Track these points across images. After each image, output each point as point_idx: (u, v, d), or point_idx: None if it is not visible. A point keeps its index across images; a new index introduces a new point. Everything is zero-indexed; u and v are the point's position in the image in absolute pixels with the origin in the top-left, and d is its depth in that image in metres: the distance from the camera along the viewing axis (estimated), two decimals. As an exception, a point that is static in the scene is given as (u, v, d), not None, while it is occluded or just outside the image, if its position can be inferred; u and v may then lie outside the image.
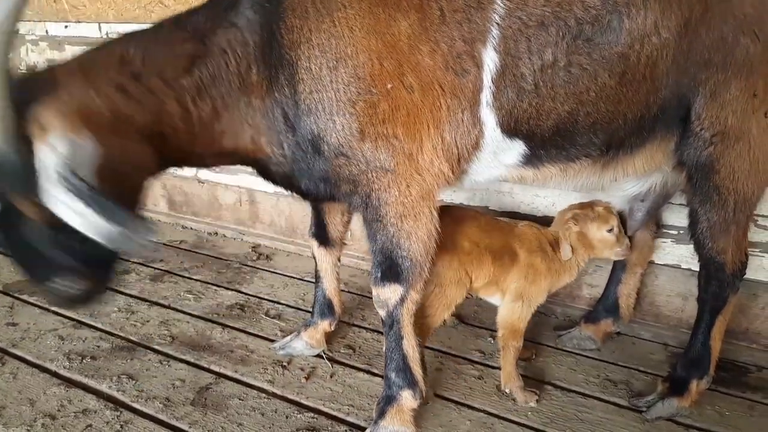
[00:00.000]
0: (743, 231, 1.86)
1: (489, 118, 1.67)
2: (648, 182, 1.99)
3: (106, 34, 3.70)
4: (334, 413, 2.01)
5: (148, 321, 2.59)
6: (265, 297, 2.83)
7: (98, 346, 2.39)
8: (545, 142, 1.72)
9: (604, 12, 1.55)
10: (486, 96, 1.63)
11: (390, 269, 1.74)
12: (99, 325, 2.54)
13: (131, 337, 2.46)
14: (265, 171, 1.81)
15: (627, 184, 2.01)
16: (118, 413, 1.98)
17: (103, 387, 2.12)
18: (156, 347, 2.39)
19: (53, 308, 2.68)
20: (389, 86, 1.57)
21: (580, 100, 1.63)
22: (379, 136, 1.60)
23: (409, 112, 1.60)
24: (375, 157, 1.62)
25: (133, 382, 2.15)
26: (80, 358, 2.29)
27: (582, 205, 2.08)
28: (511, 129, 1.69)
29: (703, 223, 1.82)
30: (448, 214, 1.96)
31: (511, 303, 2.04)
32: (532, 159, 1.77)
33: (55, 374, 2.20)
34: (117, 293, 2.84)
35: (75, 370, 2.22)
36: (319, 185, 1.74)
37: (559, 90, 1.61)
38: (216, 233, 3.63)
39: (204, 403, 2.04)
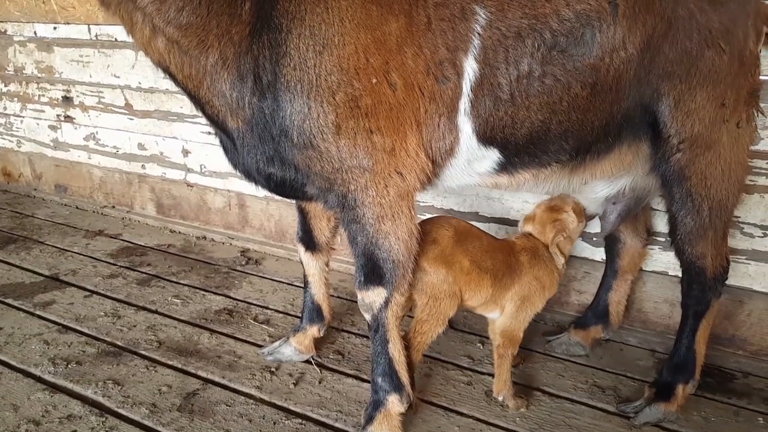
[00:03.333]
0: (721, 236, 1.91)
1: (466, 125, 1.70)
2: (617, 185, 2.04)
3: (96, 36, 3.68)
4: (323, 419, 2.00)
5: (134, 326, 2.56)
6: (254, 302, 2.81)
7: (84, 351, 2.35)
8: (519, 149, 1.77)
9: (578, 25, 1.62)
10: (464, 104, 1.66)
11: (373, 272, 1.74)
12: (85, 330, 2.51)
13: (117, 342, 2.43)
14: (223, 127, 1.76)
15: (597, 186, 2.06)
16: (104, 419, 1.96)
17: (89, 392, 2.09)
18: (142, 352, 2.36)
19: (38, 312, 2.65)
20: (374, 81, 1.58)
21: (553, 110, 1.69)
22: (358, 132, 1.60)
23: (392, 108, 1.61)
24: (352, 155, 1.62)
25: (119, 387, 2.13)
26: (65, 363, 2.26)
27: (550, 209, 2.09)
28: (486, 137, 1.72)
29: (681, 229, 1.87)
30: (452, 226, 1.95)
31: (514, 313, 2.02)
32: (506, 166, 1.81)
33: (39, 379, 2.17)
34: (104, 297, 2.81)
35: (60, 375, 2.19)
36: (287, 171, 1.72)
37: (533, 99, 1.67)
38: (204, 237, 3.60)
39: (191, 409, 2.02)
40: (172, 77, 1.68)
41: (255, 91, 1.61)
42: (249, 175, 1.85)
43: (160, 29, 1.54)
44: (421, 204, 2.88)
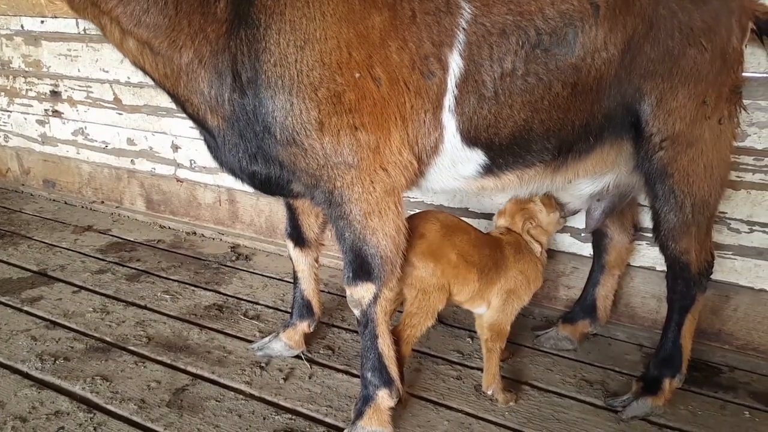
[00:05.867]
0: (705, 231, 1.92)
1: (450, 122, 1.69)
2: (601, 183, 2.05)
3: (84, 30, 3.64)
4: (313, 414, 2.00)
5: (123, 321, 2.55)
6: (244, 297, 2.80)
7: (72, 347, 2.34)
8: (503, 150, 1.77)
9: (561, 24, 1.62)
10: (449, 100, 1.66)
11: (361, 268, 1.74)
12: (73, 326, 2.49)
13: (106, 338, 2.41)
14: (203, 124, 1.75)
15: (581, 184, 2.07)
16: (92, 415, 1.95)
17: (77, 388, 2.08)
18: (131, 348, 2.35)
19: (25, 308, 2.62)
20: (357, 75, 1.57)
21: (535, 109, 1.69)
22: (342, 128, 1.59)
23: (376, 103, 1.61)
24: (336, 152, 1.61)
25: (108, 383, 2.11)
26: (53, 359, 2.24)
27: (520, 202, 2.13)
28: (470, 137, 1.72)
29: (664, 225, 1.89)
30: (440, 220, 1.96)
31: (501, 307, 2.04)
32: (491, 168, 1.81)
33: (26, 375, 2.15)
34: (92, 293, 2.79)
35: (47, 371, 2.17)
36: (272, 169, 1.71)
37: (516, 98, 1.67)
38: (194, 233, 3.59)
39: (180, 405, 2.01)
40: (150, 77, 1.68)
41: (235, 88, 1.59)
42: (234, 173, 1.84)
43: (129, 31, 1.54)
44: (411, 200, 2.88)
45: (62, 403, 2.00)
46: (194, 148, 3.50)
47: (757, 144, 2.19)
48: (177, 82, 1.64)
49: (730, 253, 2.34)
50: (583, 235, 2.58)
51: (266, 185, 1.82)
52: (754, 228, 2.29)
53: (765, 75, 2.10)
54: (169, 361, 2.26)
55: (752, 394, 2.19)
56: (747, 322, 2.38)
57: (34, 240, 3.43)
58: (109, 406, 2.00)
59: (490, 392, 2.08)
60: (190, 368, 2.23)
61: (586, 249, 2.56)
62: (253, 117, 1.61)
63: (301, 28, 1.54)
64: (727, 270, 2.36)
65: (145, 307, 2.68)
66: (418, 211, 2.11)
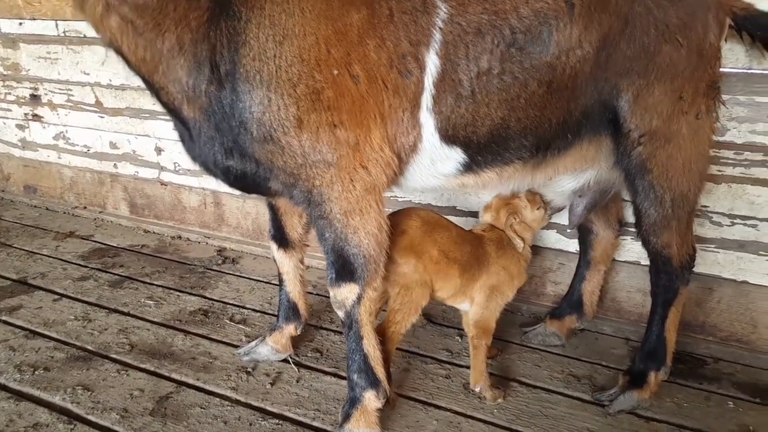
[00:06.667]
0: (686, 225, 1.93)
1: (428, 121, 1.69)
2: (582, 179, 2.06)
3: (63, 32, 3.58)
4: (300, 418, 1.98)
5: (106, 329, 2.50)
6: (230, 302, 2.77)
7: (52, 357, 2.29)
8: (481, 147, 1.77)
9: (536, 23, 1.62)
10: (426, 99, 1.66)
11: (344, 268, 1.72)
12: (53, 335, 2.45)
13: (88, 347, 2.37)
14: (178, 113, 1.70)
15: (563, 181, 2.08)
16: (72, 426, 1.91)
17: (57, 399, 2.04)
18: (114, 356, 2.31)
19: (4, 318, 2.57)
20: (335, 72, 1.56)
21: (511, 107, 1.70)
22: (320, 126, 1.58)
23: (355, 101, 1.60)
24: (315, 150, 1.60)
25: (89, 393, 2.07)
26: (32, 369, 2.20)
27: (505, 198, 2.14)
28: (448, 136, 1.72)
29: (645, 220, 1.90)
30: (420, 217, 1.96)
31: (484, 303, 2.04)
32: (471, 166, 1.82)
33: (4, 387, 2.11)
34: (74, 301, 2.74)
35: (26, 382, 2.13)
36: (247, 165, 1.68)
37: (493, 96, 1.67)
38: (180, 237, 3.54)
39: (164, 413, 1.98)
40: (125, 59, 1.61)
41: (212, 80, 1.57)
42: (207, 168, 1.80)
43: (115, 8, 1.48)
44: (399, 199, 2.87)
45: (41, 415, 1.96)
46: (178, 151, 3.45)
47: (737, 138, 2.21)
48: (155, 68, 1.59)
49: (713, 246, 2.36)
50: (569, 231, 2.58)
51: (241, 181, 1.78)
52: (735, 221, 2.31)
53: (743, 70, 2.12)
54: (152, 369, 2.23)
55: (736, 385, 2.21)
56: (730, 314, 2.40)
57: (14, 247, 3.36)
58: (90, 417, 1.96)
59: (477, 389, 2.08)
60: (174, 375, 2.20)
61: (573, 245, 2.57)
62: (230, 111, 1.59)
63: (280, 23, 1.53)
64: (710, 263, 2.38)
65: (128, 314, 2.64)
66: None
